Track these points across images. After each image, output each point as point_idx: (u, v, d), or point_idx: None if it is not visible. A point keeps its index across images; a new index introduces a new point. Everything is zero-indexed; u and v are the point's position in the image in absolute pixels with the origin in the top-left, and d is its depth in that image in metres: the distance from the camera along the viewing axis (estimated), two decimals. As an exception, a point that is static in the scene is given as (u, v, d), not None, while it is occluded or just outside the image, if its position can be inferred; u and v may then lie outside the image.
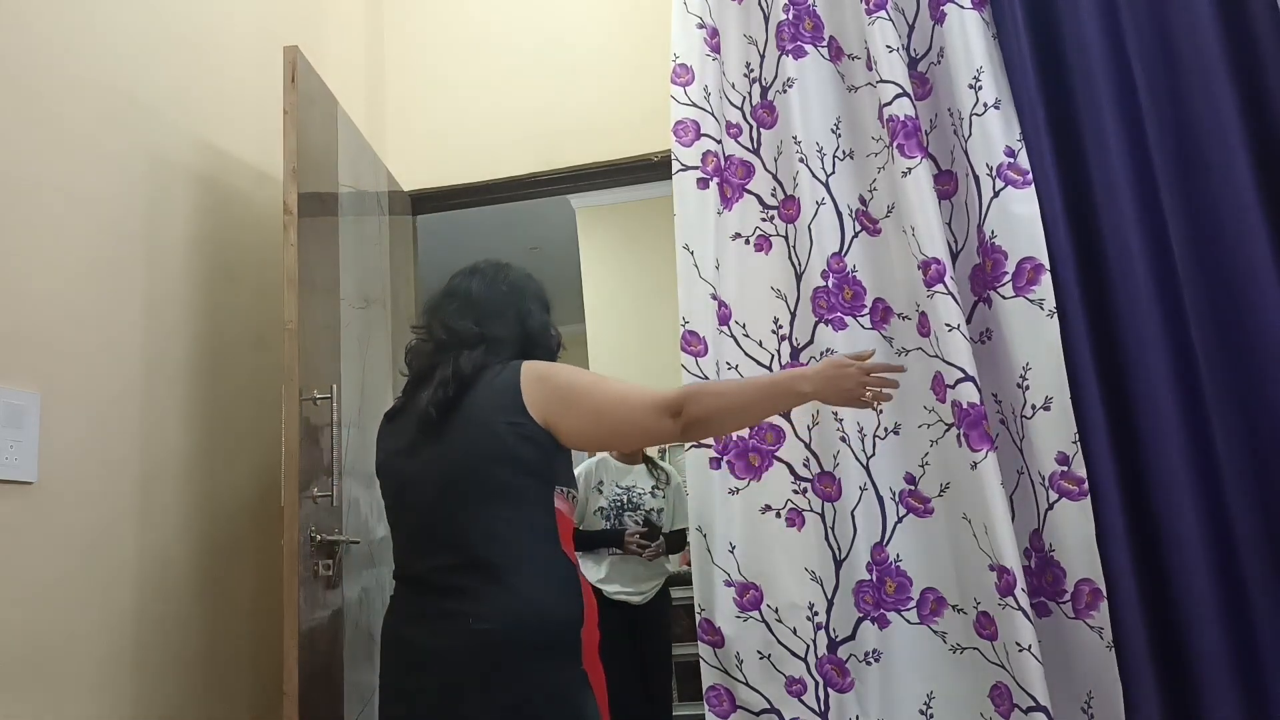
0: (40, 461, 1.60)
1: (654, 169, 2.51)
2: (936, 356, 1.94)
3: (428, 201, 2.74)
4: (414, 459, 1.51)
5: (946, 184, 2.09)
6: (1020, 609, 1.75)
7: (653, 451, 3.36)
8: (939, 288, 1.92)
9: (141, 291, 1.89)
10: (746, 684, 1.93)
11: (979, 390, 1.87)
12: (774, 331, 2.10)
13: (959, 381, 1.88)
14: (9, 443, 1.54)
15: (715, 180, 2.17)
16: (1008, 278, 1.93)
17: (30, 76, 1.68)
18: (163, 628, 1.85)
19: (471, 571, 1.39)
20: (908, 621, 1.93)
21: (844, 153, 2.16)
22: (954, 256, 2.02)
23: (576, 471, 2.59)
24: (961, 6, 2.05)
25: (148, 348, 1.89)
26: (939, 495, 1.98)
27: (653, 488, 3.17)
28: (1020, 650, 1.74)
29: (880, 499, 1.98)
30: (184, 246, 2.04)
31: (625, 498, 3.13)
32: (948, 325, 1.90)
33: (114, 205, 1.85)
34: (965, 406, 1.87)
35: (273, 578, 2.06)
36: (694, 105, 2.19)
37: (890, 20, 2.08)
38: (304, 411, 1.86)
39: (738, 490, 2.02)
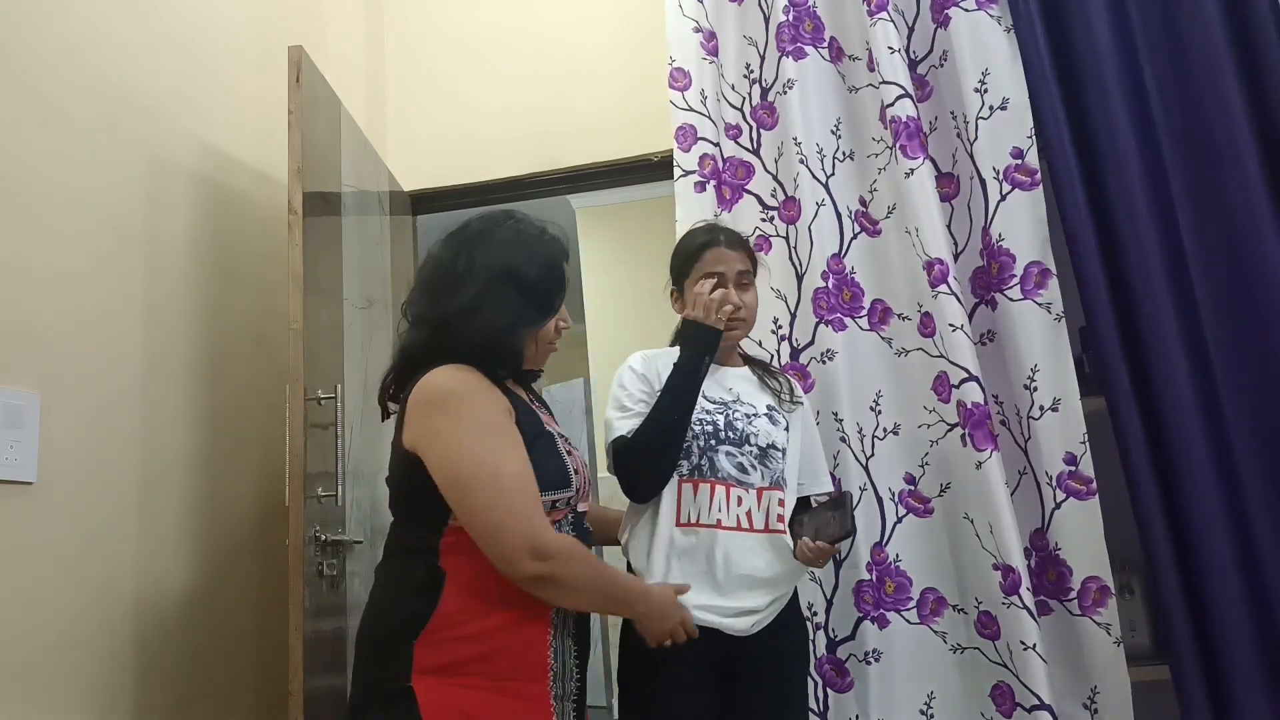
0: (40, 461, 1.59)
1: (654, 169, 2.50)
2: (941, 356, 1.94)
3: (428, 202, 2.74)
4: None
5: (947, 186, 2.09)
6: (1025, 607, 1.76)
7: (752, 342, 1.94)
8: (943, 288, 1.92)
9: (141, 291, 1.89)
10: (746, 684, 1.94)
11: (983, 390, 1.88)
12: (773, 332, 2.10)
13: (963, 381, 1.88)
14: (9, 443, 1.53)
15: (712, 183, 2.17)
16: (1015, 280, 1.94)
17: (31, 76, 1.67)
18: (163, 628, 1.84)
19: None
20: (907, 621, 1.93)
21: (844, 154, 2.17)
22: (955, 258, 2.03)
23: (632, 365, 1.63)
24: (967, 9, 2.04)
25: (148, 348, 1.89)
26: (939, 495, 1.98)
27: (769, 408, 1.66)
28: (1025, 649, 1.75)
29: (879, 499, 1.99)
30: (184, 246, 2.03)
31: (724, 419, 1.60)
32: (951, 325, 1.90)
33: (114, 205, 1.85)
34: (970, 406, 1.87)
35: (275, 578, 2.06)
36: (691, 110, 2.19)
37: (891, 21, 2.08)
38: (308, 411, 1.86)
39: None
